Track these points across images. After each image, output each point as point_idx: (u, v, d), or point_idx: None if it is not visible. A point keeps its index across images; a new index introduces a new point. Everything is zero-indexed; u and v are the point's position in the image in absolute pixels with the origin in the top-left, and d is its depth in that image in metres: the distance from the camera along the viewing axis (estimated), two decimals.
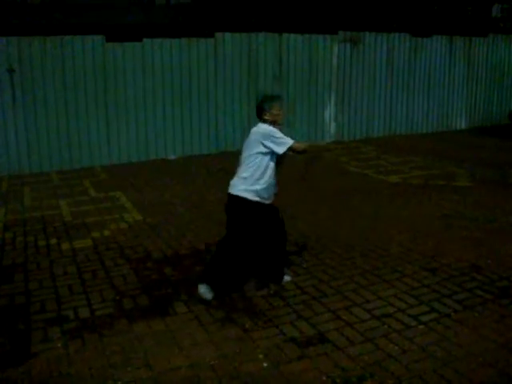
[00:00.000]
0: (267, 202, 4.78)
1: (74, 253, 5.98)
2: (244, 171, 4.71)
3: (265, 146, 4.65)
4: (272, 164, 4.72)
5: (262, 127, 4.74)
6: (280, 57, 12.32)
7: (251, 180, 4.66)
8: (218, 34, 11.65)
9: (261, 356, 3.81)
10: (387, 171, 9.90)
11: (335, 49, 12.99)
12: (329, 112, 13.12)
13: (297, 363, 3.73)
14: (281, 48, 12.31)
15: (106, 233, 6.66)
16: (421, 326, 4.20)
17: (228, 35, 11.73)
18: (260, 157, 4.66)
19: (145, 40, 10.99)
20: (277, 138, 4.64)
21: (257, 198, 4.66)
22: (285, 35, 12.34)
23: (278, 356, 3.81)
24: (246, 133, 12.15)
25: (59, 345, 4.03)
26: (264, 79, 12.20)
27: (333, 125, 13.23)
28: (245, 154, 4.74)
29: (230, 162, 10.88)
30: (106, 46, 10.65)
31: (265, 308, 4.55)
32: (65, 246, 6.24)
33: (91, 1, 13.48)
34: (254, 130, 4.77)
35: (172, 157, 11.24)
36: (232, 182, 4.77)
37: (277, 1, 14.93)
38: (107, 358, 3.84)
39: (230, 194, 4.74)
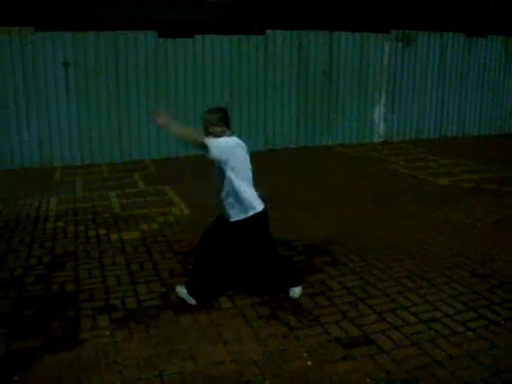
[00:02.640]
0: None
1: (123, 244, 6.11)
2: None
3: None
4: None
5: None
6: (330, 55, 12.24)
7: None
8: (269, 31, 11.66)
9: (305, 355, 3.80)
10: (437, 173, 9.71)
11: (387, 47, 12.82)
12: (378, 111, 12.96)
13: (341, 364, 3.70)
14: (331, 46, 12.23)
15: (154, 226, 6.77)
16: (469, 333, 4.10)
17: (279, 32, 11.72)
18: None
19: (196, 36, 11.10)
20: None
21: None
22: (336, 33, 12.25)
23: (323, 355, 3.79)
24: (295, 130, 12.24)
25: (107, 333, 4.13)
26: (314, 77, 12.14)
27: (382, 125, 13.06)
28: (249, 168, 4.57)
29: (277, 159, 10.97)
30: (158, 41, 10.81)
31: (310, 307, 4.53)
32: (114, 236, 6.38)
33: None
34: (242, 143, 4.53)
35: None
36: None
37: None
38: (153, 348, 3.90)
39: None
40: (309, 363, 3.70)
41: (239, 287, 4.90)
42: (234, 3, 14.86)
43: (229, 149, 4.31)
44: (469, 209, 7.49)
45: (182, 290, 4.64)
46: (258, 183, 8.93)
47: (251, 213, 4.41)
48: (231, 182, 4.37)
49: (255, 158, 11.17)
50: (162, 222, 6.88)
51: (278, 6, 14.41)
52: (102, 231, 6.58)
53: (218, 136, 4.38)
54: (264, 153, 11.60)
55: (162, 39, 10.84)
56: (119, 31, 10.57)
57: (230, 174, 4.35)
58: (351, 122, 12.70)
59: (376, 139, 13.06)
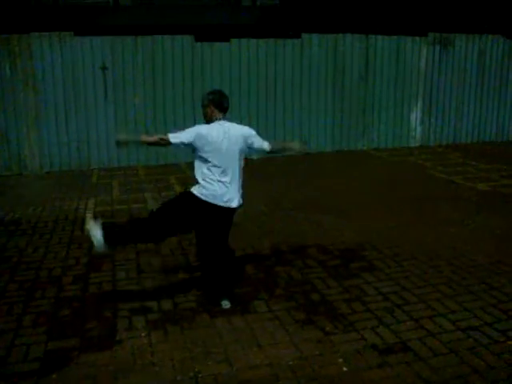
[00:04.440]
0: None
1: (159, 246, 6.15)
2: (240, 177, 4.59)
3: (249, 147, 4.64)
4: None
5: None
6: (366, 58, 12.15)
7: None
8: (305, 35, 11.64)
9: (340, 360, 3.77)
10: (475, 178, 9.52)
11: (424, 51, 12.65)
12: (415, 116, 12.80)
13: (377, 370, 3.65)
14: (367, 49, 12.14)
15: None
16: (510, 342, 4.00)
17: (315, 36, 11.69)
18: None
19: (232, 40, 11.15)
20: None
21: None
22: (372, 37, 12.16)
23: (358, 361, 3.75)
24: (330, 134, 12.15)
25: (143, 334, 4.16)
26: (350, 81, 12.06)
27: (419, 129, 12.89)
28: (238, 158, 4.55)
29: (312, 163, 10.92)
30: (194, 45, 10.90)
31: (346, 312, 4.49)
32: None
33: (181, 2, 13.81)
34: (240, 131, 4.56)
35: (255, 157, 11.32)
36: (238, 195, 4.60)
37: (364, 1, 14.71)
38: (188, 350, 3.92)
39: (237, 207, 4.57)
40: (344, 369, 3.67)
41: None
42: (268, 7, 14.88)
43: (198, 137, 4.34)
44: (508, 215, 7.32)
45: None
46: (293, 187, 8.94)
47: (200, 196, 4.38)
48: (199, 167, 4.44)
49: (290, 161, 11.20)
50: None
51: (313, 10, 14.37)
52: None
53: (208, 118, 4.48)
54: (300, 157, 11.56)
55: (198, 43, 10.93)
56: (156, 36, 10.69)
57: (199, 160, 4.43)
58: (387, 126, 12.57)
59: (412, 144, 12.89)
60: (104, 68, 10.48)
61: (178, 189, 8.90)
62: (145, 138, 4.52)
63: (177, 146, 4.35)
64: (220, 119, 4.46)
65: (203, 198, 4.37)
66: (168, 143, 4.35)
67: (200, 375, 3.61)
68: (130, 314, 4.50)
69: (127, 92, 10.66)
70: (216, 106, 4.45)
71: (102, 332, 4.20)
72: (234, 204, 4.51)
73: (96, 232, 4.32)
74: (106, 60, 10.48)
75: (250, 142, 4.61)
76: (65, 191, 8.85)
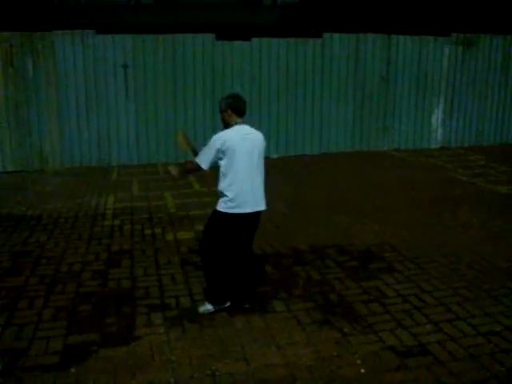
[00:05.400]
0: None
1: (178, 243, 6.18)
2: (263, 179, 4.57)
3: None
4: None
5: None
6: (388, 58, 12.06)
7: None
8: (326, 35, 11.59)
9: (358, 361, 3.75)
10: (496, 181, 9.40)
11: (446, 51, 12.51)
12: (436, 117, 12.67)
13: (395, 373, 3.63)
14: (389, 49, 12.04)
15: None
16: None
17: (336, 36, 11.63)
18: None
19: (253, 39, 11.14)
20: None
21: None
22: (394, 36, 12.05)
23: (376, 363, 3.73)
24: (351, 135, 12.07)
25: (161, 331, 4.19)
26: (371, 81, 11.98)
27: (440, 130, 12.76)
28: (258, 162, 4.48)
29: (332, 163, 10.89)
30: (215, 44, 10.91)
31: (364, 313, 4.46)
32: (169, 236, 6.47)
33: (202, 1, 13.87)
34: (259, 135, 4.53)
35: (274, 156, 11.31)
36: (262, 197, 4.54)
37: (386, 1, 14.62)
38: (206, 348, 3.93)
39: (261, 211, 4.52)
40: (362, 371, 3.65)
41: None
42: (289, 6, 14.86)
43: (222, 146, 4.26)
44: None
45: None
46: (313, 187, 8.88)
47: (228, 210, 4.33)
48: (224, 175, 4.36)
49: (310, 161, 11.14)
50: None
51: (334, 9, 14.32)
52: (158, 230, 6.69)
53: (226, 123, 4.43)
54: (319, 156, 11.53)
55: (219, 42, 10.94)
56: (178, 34, 10.73)
57: (221, 167, 4.36)
58: (408, 127, 12.47)
59: (433, 145, 12.77)
60: (125, 66, 10.54)
61: (197, 186, 8.95)
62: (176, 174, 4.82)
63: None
64: (239, 123, 4.43)
65: (231, 211, 4.31)
66: (199, 168, 4.40)
67: (217, 373, 3.61)
68: (148, 310, 4.53)
69: (148, 90, 10.71)
70: (233, 111, 4.40)
71: (121, 328, 4.23)
72: (262, 207, 4.48)
73: (204, 307, 4.53)
74: (127, 58, 10.54)
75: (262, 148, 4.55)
76: (85, 187, 8.93)
